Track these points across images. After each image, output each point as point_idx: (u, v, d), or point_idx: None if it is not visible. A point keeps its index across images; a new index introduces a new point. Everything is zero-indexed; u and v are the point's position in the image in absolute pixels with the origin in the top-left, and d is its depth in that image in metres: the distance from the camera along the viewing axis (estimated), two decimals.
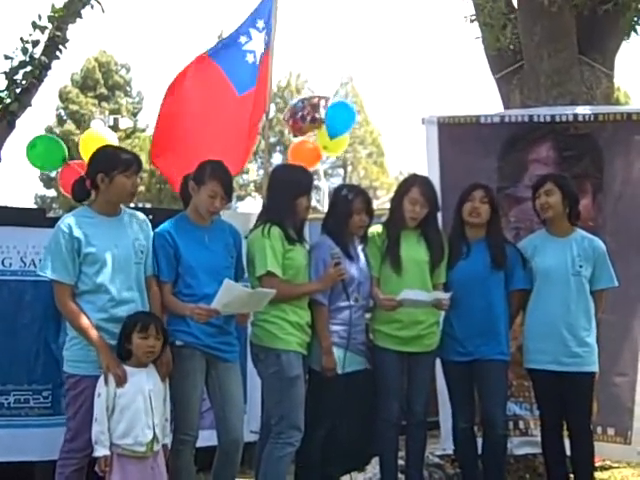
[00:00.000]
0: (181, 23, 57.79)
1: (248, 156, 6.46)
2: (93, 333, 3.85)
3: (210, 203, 4.19)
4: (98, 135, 7.42)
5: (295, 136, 7.67)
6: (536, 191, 4.74)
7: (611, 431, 5.20)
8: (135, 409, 3.84)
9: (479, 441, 4.74)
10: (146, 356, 3.91)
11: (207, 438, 4.37)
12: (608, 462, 5.60)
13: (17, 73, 7.09)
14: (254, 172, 31.71)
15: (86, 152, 7.24)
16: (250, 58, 6.20)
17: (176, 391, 4.11)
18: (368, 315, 4.72)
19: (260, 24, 6.23)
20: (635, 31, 6.53)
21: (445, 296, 4.53)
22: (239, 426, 4.20)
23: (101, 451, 3.78)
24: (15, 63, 7.09)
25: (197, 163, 4.35)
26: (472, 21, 7.00)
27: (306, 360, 4.39)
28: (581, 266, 4.64)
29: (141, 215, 4.25)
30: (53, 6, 7.16)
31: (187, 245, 4.18)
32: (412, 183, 4.69)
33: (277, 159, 29.96)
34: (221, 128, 6.07)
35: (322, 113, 7.13)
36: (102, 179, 3.99)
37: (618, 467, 5.62)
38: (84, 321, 3.87)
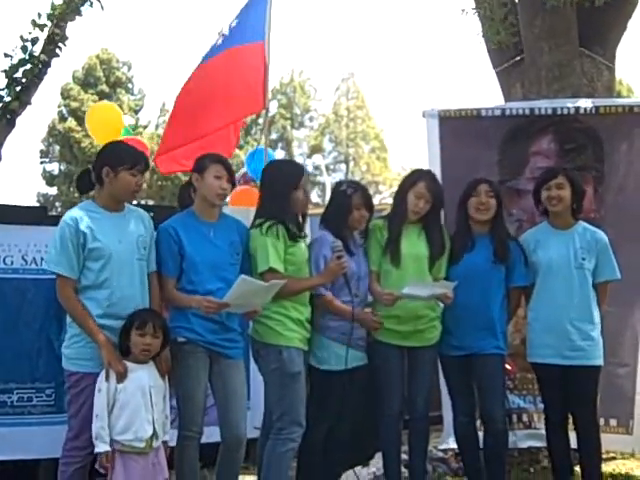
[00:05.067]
0: (182, 20, 57.71)
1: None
2: (94, 328, 3.83)
3: (218, 185, 4.18)
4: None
5: None
6: (544, 183, 4.69)
7: (614, 422, 5.22)
8: (135, 405, 3.82)
9: (481, 435, 4.73)
10: (142, 354, 3.89)
11: (212, 434, 4.37)
12: (612, 454, 5.59)
13: (17, 71, 7.11)
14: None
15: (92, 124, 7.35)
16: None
17: (180, 388, 4.11)
18: (367, 310, 4.70)
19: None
20: None
21: (450, 286, 4.47)
22: (242, 423, 4.19)
23: (102, 447, 3.76)
24: (15, 61, 7.12)
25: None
26: (471, 13, 6.97)
27: (306, 356, 4.37)
28: (584, 259, 4.60)
29: (144, 212, 4.24)
30: (52, 4, 7.18)
31: (192, 241, 4.16)
32: (419, 177, 4.65)
33: (279, 155, 29.90)
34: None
35: None
36: (107, 173, 3.97)
37: (622, 459, 5.60)
38: (86, 316, 3.85)
